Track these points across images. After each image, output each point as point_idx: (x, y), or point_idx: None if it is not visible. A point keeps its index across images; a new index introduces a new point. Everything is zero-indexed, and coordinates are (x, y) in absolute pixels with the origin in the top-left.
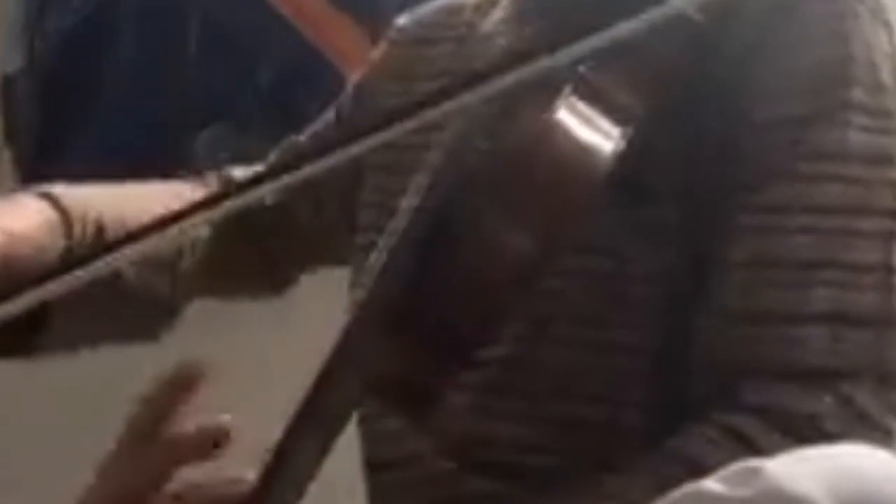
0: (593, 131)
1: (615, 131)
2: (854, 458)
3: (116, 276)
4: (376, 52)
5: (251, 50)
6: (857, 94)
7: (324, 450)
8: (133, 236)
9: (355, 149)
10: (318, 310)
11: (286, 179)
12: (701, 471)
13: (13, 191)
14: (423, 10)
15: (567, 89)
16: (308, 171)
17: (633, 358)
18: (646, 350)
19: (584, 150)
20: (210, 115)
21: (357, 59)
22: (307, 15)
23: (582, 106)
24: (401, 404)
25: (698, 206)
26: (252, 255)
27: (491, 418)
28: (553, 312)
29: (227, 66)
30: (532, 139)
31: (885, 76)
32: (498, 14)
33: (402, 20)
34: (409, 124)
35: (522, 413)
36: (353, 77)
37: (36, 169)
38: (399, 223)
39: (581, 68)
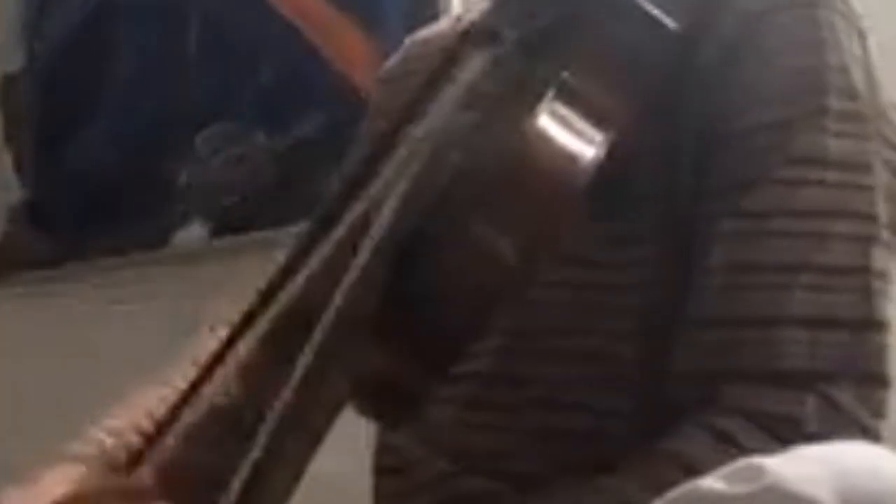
0: (576, 137)
1: (598, 137)
2: (856, 455)
3: None
4: (371, 98)
5: (251, 50)
6: (832, 101)
7: (308, 453)
8: None
9: None
10: None
11: None
12: (692, 470)
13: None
14: (403, 48)
15: (550, 94)
16: None
17: (616, 367)
18: (628, 358)
19: (567, 157)
20: (210, 115)
21: (357, 59)
22: (307, 15)
23: (564, 111)
24: (379, 411)
25: (677, 212)
26: None
27: (474, 432)
28: (533, 324)
29: (227, 66)
30: (515, 145)
31: (859, 83)
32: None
33: (388, 63)
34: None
35: (505, 425)
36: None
37: (36, 169)
38: (379, 231)
39: (564, 74)
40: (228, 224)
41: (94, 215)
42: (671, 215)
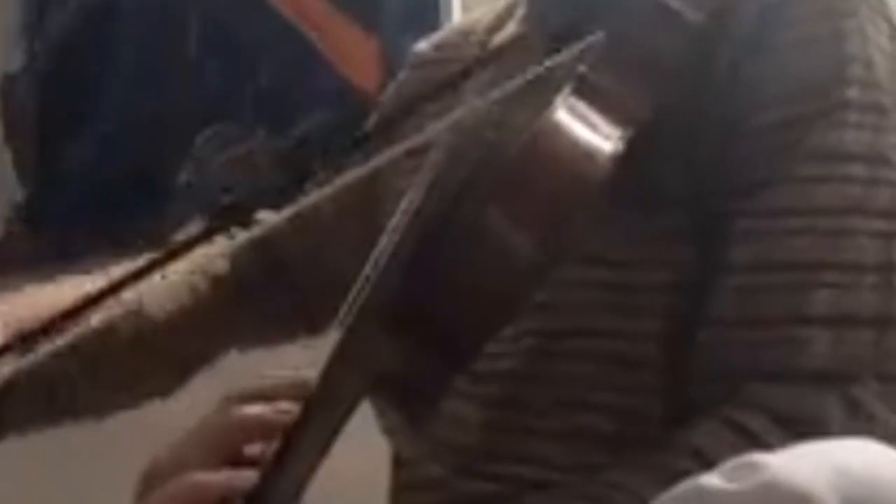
0: (593, 132)
1: (615, 133)
2: (855, 451)
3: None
4: (398, 79)
5: (251, 50)
6: (854, 93)
7: (325, 446)
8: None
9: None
10: None
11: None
12: (708, 464)
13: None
14: (438, 34)
15: (567, 89)
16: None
17: (642, 369)
18: (655, 361)
19: (583, 152)
20: (210, 115)
21: (357, 59)
22: (307, 15)
23: (581, 106)
24: (397, 404)
25: (702, 212)
26: (284, 303)
27: (500, 432)
28: (561, 325)
29: (227, 66)
30: (530, 139)
31: (882, 74)
32: (507, 31)
33: (419, 46)
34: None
35: (531, 426)
36: (376, 107)
37: (36, 169)
38: (400, 223)
39: (581, 68)
40: None
41: (94, 215)
42: (699, 216)
